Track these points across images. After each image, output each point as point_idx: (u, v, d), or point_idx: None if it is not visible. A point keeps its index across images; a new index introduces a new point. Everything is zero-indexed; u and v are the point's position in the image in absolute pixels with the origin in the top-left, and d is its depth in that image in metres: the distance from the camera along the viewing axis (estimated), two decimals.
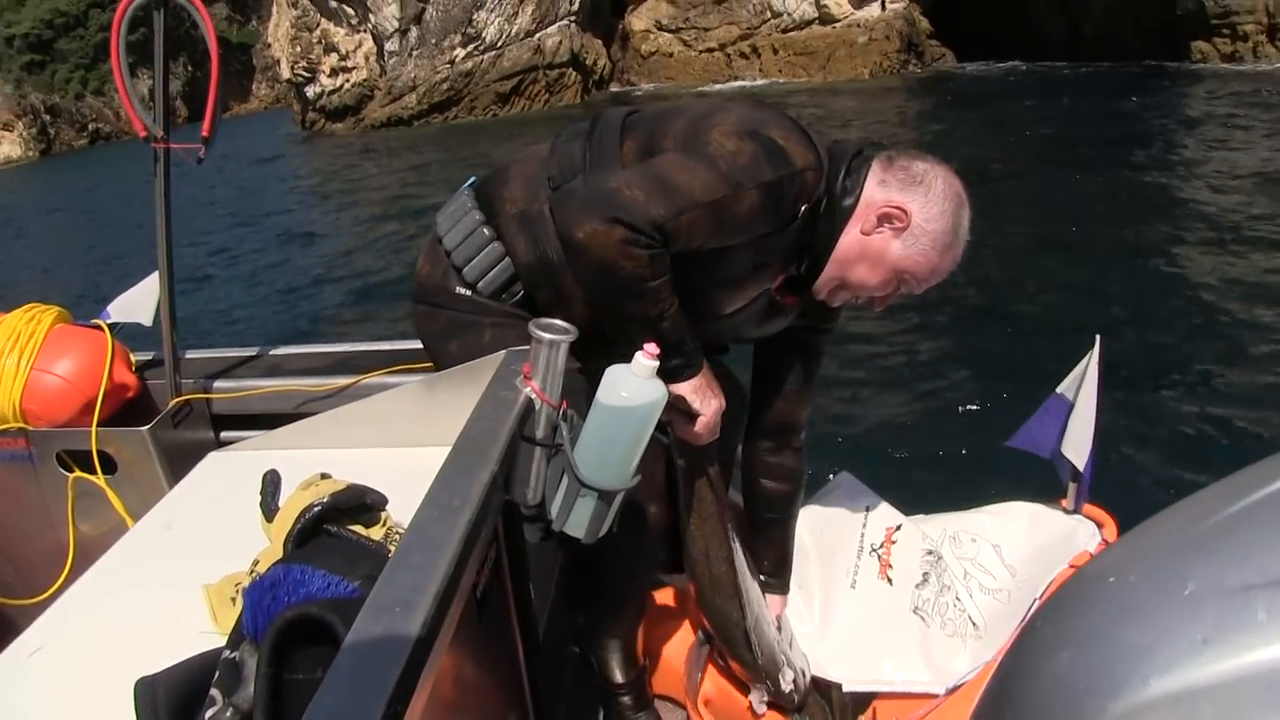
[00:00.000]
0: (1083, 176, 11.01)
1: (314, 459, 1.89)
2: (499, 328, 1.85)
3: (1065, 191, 10.23)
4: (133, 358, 2.81)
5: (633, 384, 1.48)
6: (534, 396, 1.50)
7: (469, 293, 1.88)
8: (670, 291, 1.57)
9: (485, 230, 1.85)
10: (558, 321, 1.49)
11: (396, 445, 2.00)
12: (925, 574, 2.11)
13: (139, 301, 2.83)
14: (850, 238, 1.73)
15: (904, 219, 1.69)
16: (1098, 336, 1.92)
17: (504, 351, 1.69)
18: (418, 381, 2.04)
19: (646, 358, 1.48)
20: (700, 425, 1.69)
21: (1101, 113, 17.23)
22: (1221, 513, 0.70)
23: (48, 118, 77.00)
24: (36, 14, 78.58)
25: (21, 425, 2.56)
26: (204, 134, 2.55)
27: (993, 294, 6.72)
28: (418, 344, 2.61)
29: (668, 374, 1.59)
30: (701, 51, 29.31)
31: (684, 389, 1.65)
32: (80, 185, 30.47)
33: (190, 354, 2.91)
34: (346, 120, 33.03)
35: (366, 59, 32.94)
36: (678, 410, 1.68)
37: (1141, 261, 7.32)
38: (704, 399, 1.68)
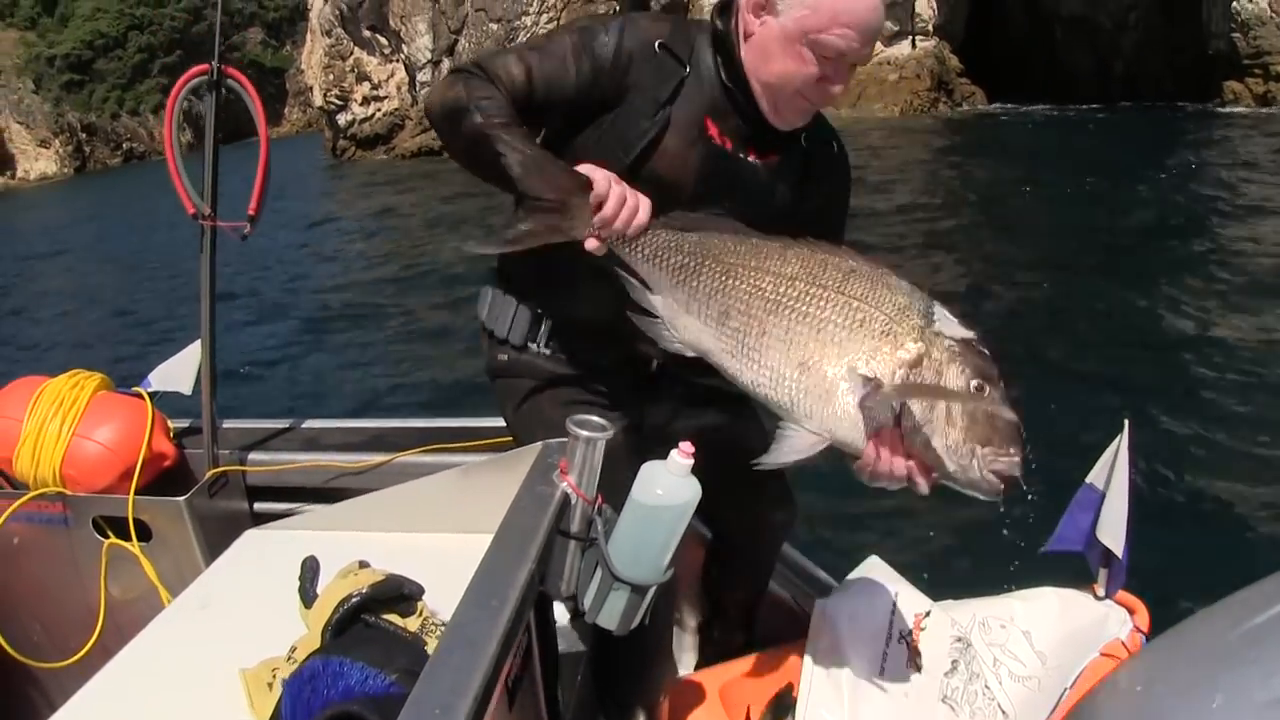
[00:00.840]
0: (1111, 224, 10.93)
1: (351, 541, 1.93)
2: (537, 395, 2.00)
3: (1092, 240, 10.14)
4: (171, 425, 2.87)
5: (668, 482, 1.52)
6: (570, 492, 1.56)
7: (505, 355, 2.03)
8: (502, 112, 1.67)
9: (498, 290, 2.03)
10: (594, 418, 1.56)
11: (433, 530, 2.03)
12: (954, 661, 2.10)
13: (180, 371, 2.89)
14: (748, 49, 1.78)
15: None
16: (1126, 421, 1.93)
17: (540, 444, 1.74)
18: (457, 469, 2.07)
19: (682, 456, 1.51)
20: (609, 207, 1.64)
21: (1133, 156, 17.13)
22: (1249, 622, 0.69)
23: (84, 136, 78.07)
24: (78, 35, 79.91)
25: (60, 490, 2.60)
26: (250, 212, 2.64)
27: (1018, 360, 6.58)
28: (451, 421, 2.80)
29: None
30: None
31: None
32: (113, 203, 30.82)
33: (227, 423, 2.94)
34: (377, 149, 33.35)
35: (398, 88, 33.30)
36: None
37: (1173, 321, 7.19)
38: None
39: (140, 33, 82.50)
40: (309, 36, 39.40)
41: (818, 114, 1.94)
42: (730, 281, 1.65)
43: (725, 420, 2.09)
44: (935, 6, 29.65)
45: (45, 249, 20.59)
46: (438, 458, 2.62)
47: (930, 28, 29.40)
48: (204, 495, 2.64)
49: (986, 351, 1.59)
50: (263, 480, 2.79)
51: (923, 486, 1.58)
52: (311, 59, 38.84)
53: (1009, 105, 29.59)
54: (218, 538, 2.44)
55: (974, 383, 1.55)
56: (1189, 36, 29.45)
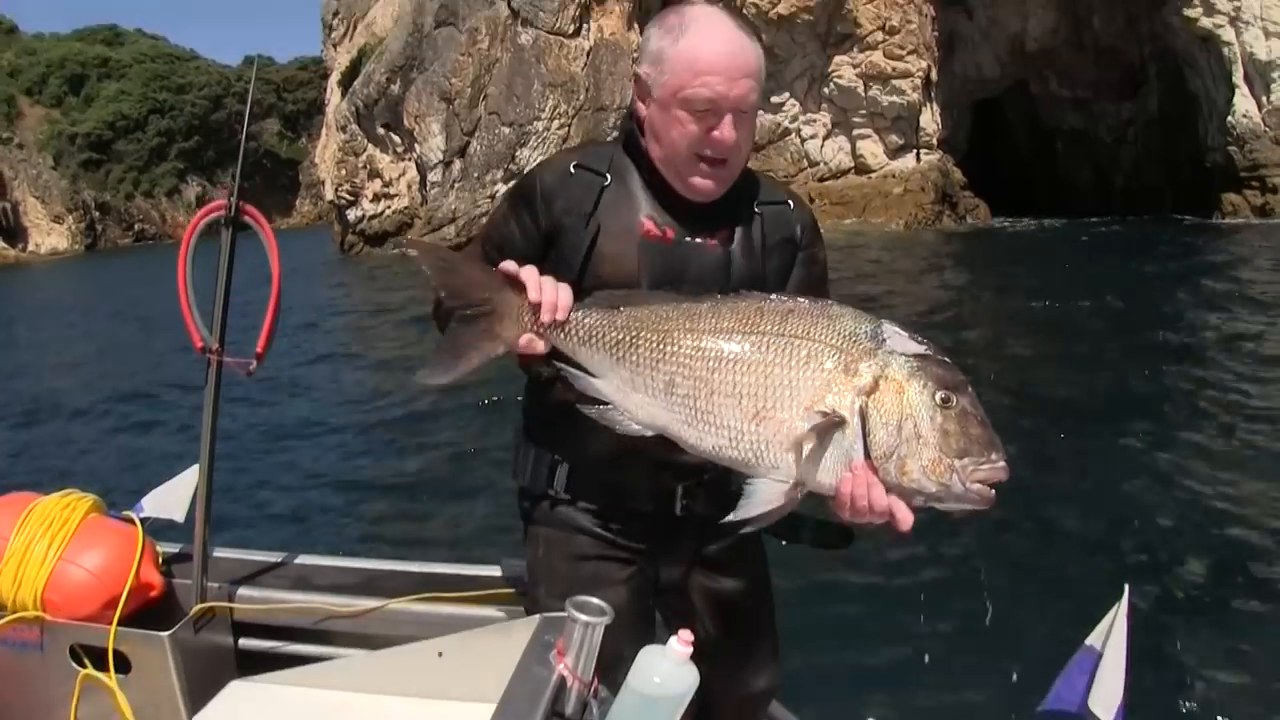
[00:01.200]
0: (1112, 345, 10.76)
1: (341, 705, 1.93)
2: (551, 547, 2.02)
3: (1090, 365, 9.96)
4: (160, 551, 2.79)
5: (666, 670, 1.53)
6: (566, 675, 1.58)
7: (527, 502, 2.07)
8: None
9: (521, 435, 2.07)
10: (594, 601, 1.59)
11: (424, 696, 2.01)
12: None
13: (174, 498, 2.84)
14: (647, 139, 1.89)
15: (639, 78, 1.87)
16: (1126, 586, 1.94)
17: (539, 617, 1.78)
18: (453, 636, 2.07)
19: (681, 644, 1.53)
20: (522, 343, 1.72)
21: (1134, 271, 17.23)
22: None
23: (97, 214, 79.08)
24: (100, 115, 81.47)
25: (40, 614, 2.51)
26: (258, 350, 2.64)
27: (1013, 504, 6.45)
28: (448, 568, 2.69)
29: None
30: None
31: None
32: (123, 292, 31.01)
33: (218, 552, 2.84)
34: (385, 245, 33.72)
35: (409, 187, 33.79)
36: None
37: (1173, 459, 6.92)
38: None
39: (161, 117, 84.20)
40: (324, 130, 40.17)
41: (762, 179, 2.03)
42: (669, 348, 1.63)
43: (738, 586, 2.10)
44: (939, 120, 30.23)
45: (50, 338, 20.52)
46: (432, 607, 2.53)
47: (934, 141, 29.92)
48: (189, 630, 2.54)
49: (946, 360, 1.57)
50: (251, 617, 2.69)
51: (905, 519, 1.54)
52: (326, 153, 39.49)
53: (1012, 220, 29.99)
54: (200, 676, 2.41)
55: (939, 395, 1.52)
56: (1187, 150, 30.04)
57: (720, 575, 2.09)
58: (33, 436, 10.96)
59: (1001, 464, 1.52)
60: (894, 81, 29.05)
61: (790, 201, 2.03)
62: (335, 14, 43.52)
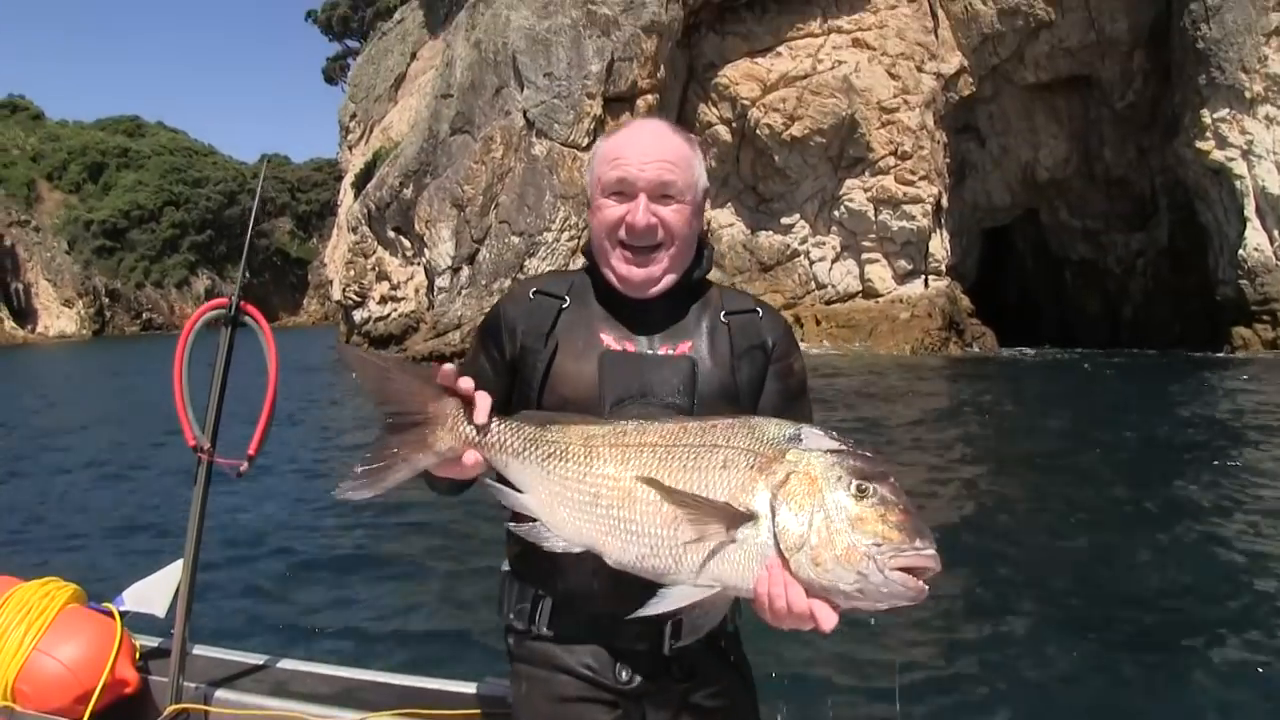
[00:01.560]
0: (1117, 483, 10.33)
1: None
2: (534, 686, 1.95)
3: (1093, 506, 9.51)
4: (138, 645, 2.79)
5: None
6: None
7: (511, 638, 2.01)
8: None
9: (505, 569, 2.04)
10: None
11: None
12: None
13: (156, 592, 2.80)
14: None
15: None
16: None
17: None
18: None
19: None
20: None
21: (1143, 405, 16.91)
22: None
23: (107, 300, 79.80)
24: (116, 204, 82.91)
25: (9, 705, 2.50)
26: (250, 453, 2.69)
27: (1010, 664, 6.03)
28: (430, 682, 2.65)
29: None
30: None
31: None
32: (128, 380, 30.85)
33: (197, 649, 2.82)
34: (390, 348, 33.61)
35: (416, 291, 33.80)
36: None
37: (1173, 618, 6.60)
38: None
39: (176, 209, 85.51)
40: (336, 231, 40.56)
41: (732, 291, 2.04)
42: (595, 461, 1.62)
43: (725, 706, 1.99)
44: (948, 246, 30.29)
45: (48, 421, 20.37)
46: None
47: (943, 267, 29.93)
48: None
49: (867, 454, 1.51)
50: None
51: (826, 619, 1.46)
52: (336, 253, 39.81)
53: (1018, 350, 29.82)
54: None
55: (854, 485, 1.46)
56: (1197, 283, 30.09)
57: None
58: (19, 518, 10.81)
59: (929, 551, 1.44)
60: (904, 206, 29.19)
61: (759, 310, 1.99)
62: (353, 116, 44.36)
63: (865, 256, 29.99)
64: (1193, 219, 29.79)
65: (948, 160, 30.57)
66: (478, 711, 2.47)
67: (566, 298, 1.93)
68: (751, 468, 1.52)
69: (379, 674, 2.76)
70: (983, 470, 11.74)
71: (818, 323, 29.02)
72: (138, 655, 2.76)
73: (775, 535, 1.47)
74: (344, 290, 35.93)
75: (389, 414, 1.70)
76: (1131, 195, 32.64)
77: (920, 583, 1.44)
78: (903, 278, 29.65)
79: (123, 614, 2.74)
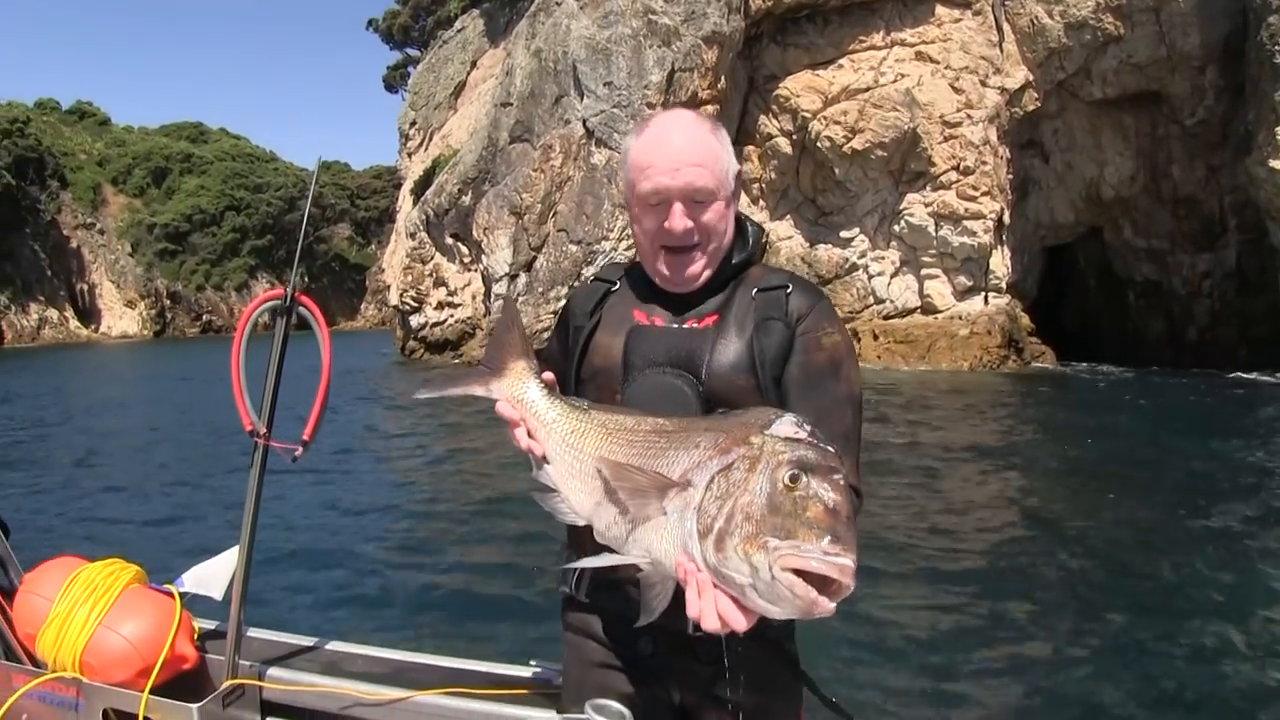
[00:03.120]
0: (1179, 508, 10.00)
1: None
2: (571, 650, 2.07)
3: (1151, 531, 9.22)
4: (197, 626, 2.92)
5: None
6: None
7: (564, 606, 2.13)
8: None
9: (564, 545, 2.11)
10: (614, 705, 1.74)
11: None
12: None
13: (214, 575, 2.91)
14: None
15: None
16: None
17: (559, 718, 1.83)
18: None
19: None
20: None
21: (1206, 428, 16.48)
22: None
23: (168, 302, 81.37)
24: (179, 208, 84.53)
25: (77, 676, 2.65)
26: (305, 437, 2.78)
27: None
28: (478, 665, 2.76)
29: None
30: None
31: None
32: (189, 378, 31.23)
33: (252, 631, 2.96)
34: (445, 353, 33.80)
35: (473, 297, 33.99)
36: None
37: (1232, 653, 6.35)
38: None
39: (236, 214, 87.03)
40: (394, 237, 40.89)
41: (776, 271, 2.05)
42: (608, 443, 1.65)
43: (757, 703, 1.94)
44: (1009, 264, 29.83)
45: (113, 418, 20.80)
46: (458, 701, 2.56)
47: (1004, 285, 29.46)
48: (218, 704, 2.62)
49: (827, 449, 1.41)
50: (279, 698, 2.76)
51: (731, 617, 1.37)
52: (393, 259, 40.12)
53: (1078, 364, 29.27)
54: None
55: (788, 473, 1.35)
56: (1265, 307, 29.29)
57: (739, 694, 1.91)
58: (88, 504, 11.16)
59: (838, 560, 1.29)
60: (965, 222, 28.80)
61: (790, 285, 1.98)
62: (412, 124, 44.74)
63: (925, 272, 29.62)
64: (1263, 240, 29.01)
65: (1010, 176, 30.10)
66: (521, 692, 2.53)
67: (617, 283, 2.08)
68: (713, 447, 1.46)
69: (428, 656, 2.86)
70: (1044, 480, 11.50)
71: (875, 337, 28.70)
72: (196, 635, 2.88)
73: (697, 515, 1.41)
74: (401, 296, 36.24)
75: (487, 353, 1.92)
76: (1199, 215, 31.87)
77: (812, 592, 1.29)
78: (962, 294, 29.23)
79: (182, 595, 2.86)
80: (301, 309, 2.83)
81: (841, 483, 1.36)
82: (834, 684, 5.23)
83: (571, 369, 2.00)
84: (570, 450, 1.71)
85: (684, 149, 1.88)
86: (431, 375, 2.00)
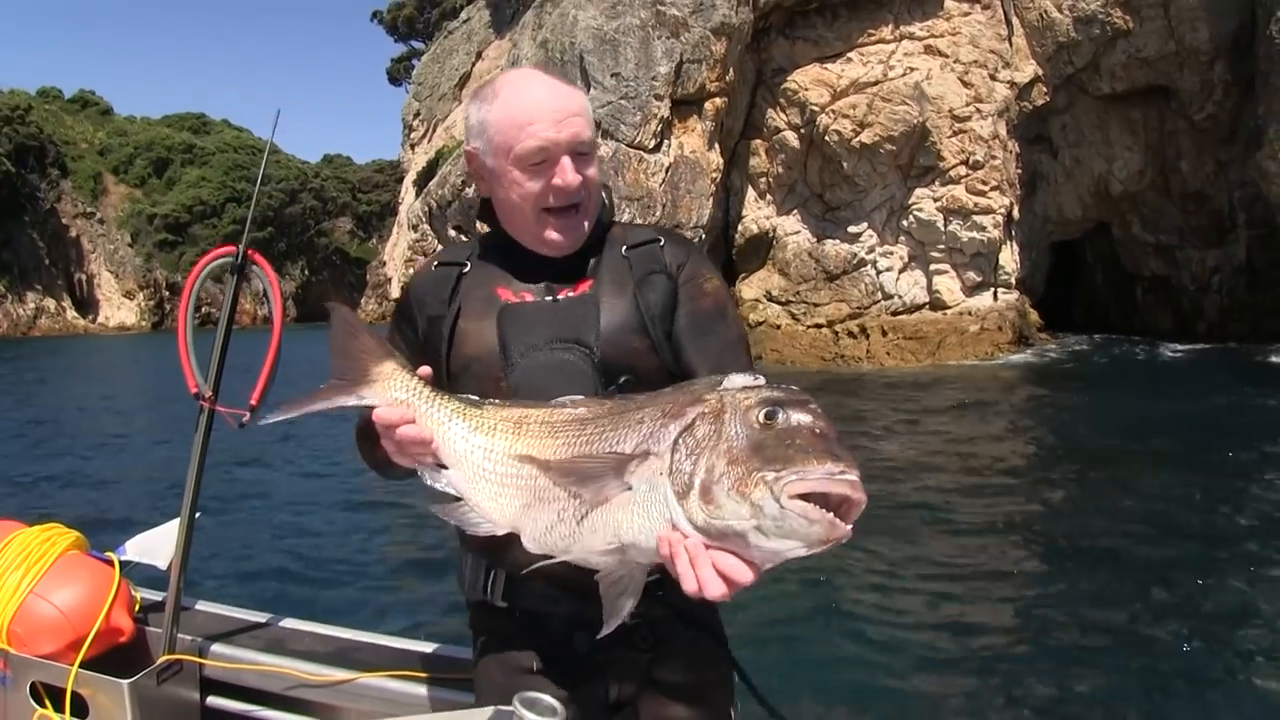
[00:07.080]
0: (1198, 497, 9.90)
1: None
2: (488, 657, 1.96)
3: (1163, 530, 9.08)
4: (137, 597, 2.80)
5: None
6: None
7: (470, 613, 2.03)
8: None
9: (459, 542, 1.98)
10: (545, 698, 1.60)
11: None
12: None
13: (158, 545, 2.79)
14: (498, 214, 1.93)
15: (470, 157, 1.91)
16: None
17: (493, 709, 1.78)
18: None
19: None
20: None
21: (1217, 404, 16.55)
22: None
23: (166, 294, 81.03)
24: (179, 199, 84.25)
25: (3, 647, 2.49)
26: (252, 402, 2.64)
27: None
28: (426, 646, 2.67)
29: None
30: (809, 327, 29.39)
31: None
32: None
33: (197, 605, 2.86)
34: None
35: None
36: None
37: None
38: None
39: (237, 205, 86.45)
40: (395, 229, 40.73)
41: (637, 227, 1.97)
42: (523, 429, 1.52)
43: (692, 706, 1.90)
44: (1019, 259, 29.66)
45: (91, 391, 20.94)
46: (403, 685, 2.47)
47: (1013, 280, 29.28)
48: (151, 680, 2.50)
49: (791, 387, 1.34)
50: (219, 675, 2.64)
51: (737, 572, 1.25)
52: (395, 251, 40.00)
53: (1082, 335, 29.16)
54: None
55: (761, 413, 1.28)
56: (1275, 302, 29.27)
57: (675, 703, 1.89)
58: (37, 469, 11.17)
59: (844, 476, 1.21)
60: (975, 217, 28.60)
61: (661, 239, 1.94)
62: (416, 115, 44.56)
63: (933, 267, 29.40)
64: (1273, 235, 28.92)
65: (1019, 171, 29.95)
66: (469, 675, 2.42)
67: (467, 263, 1.95)
68: (662, 415, 1.37)
69: (374, 636, 2.77)
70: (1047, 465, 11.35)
71: (884, 333, 28.48)
72: (137, 606, 2.77)
73: (670, 479, 1.31)
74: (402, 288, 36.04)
75: (337, 364, 1.73)
76: (1208, 210, 31.77)
77: (827, 514, 1.21)
78: (971, 290, 29.04)
79: (124, 563, 2.75)
80: (253, 266, 2.72)
81: (819, 410, 1.30)
82: (834, 684, 5.25)
83: (442, 362, 1.86)
84: (478, 451, 1.56)
85: (565, 100, 1.80)
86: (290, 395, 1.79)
